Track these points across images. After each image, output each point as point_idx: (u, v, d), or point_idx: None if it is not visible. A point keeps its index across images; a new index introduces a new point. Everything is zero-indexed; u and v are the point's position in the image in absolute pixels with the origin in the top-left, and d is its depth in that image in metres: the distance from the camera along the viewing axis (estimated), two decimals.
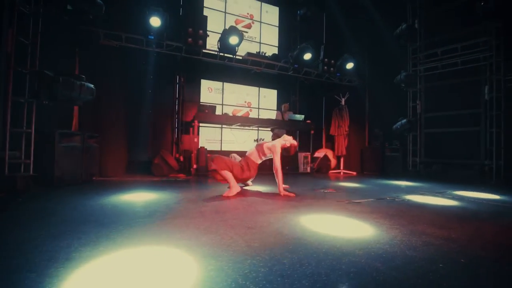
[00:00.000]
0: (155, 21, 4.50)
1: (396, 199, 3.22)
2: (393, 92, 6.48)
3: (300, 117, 6.28)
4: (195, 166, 5.24)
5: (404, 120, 5.84)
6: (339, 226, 2.01)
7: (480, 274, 1.25)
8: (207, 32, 5.36)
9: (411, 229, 1.95)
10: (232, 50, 5.32)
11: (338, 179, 5.56)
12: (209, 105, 5.39)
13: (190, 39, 4.83)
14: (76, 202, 2.56)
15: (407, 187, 4.41)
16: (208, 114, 5.25)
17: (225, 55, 5.70)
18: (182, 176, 5.06)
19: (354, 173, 6.86)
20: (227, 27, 6.75)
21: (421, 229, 1.96)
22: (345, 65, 6.37)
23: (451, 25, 5.65)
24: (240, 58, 5.99)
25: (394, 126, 6.00)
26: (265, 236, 1.70)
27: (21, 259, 1.26)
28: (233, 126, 6.48)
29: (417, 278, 1.18)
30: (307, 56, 5.84)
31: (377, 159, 6.57)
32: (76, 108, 4.50)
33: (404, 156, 6.25)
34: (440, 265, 1.33)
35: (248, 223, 1.99)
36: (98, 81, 4.85)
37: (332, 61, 6.32)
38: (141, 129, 5.80)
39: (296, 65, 6.06)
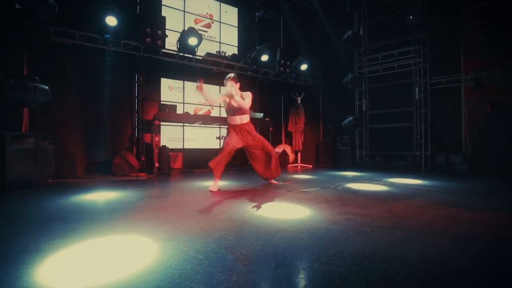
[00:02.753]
0: (111, 20, 4.47)
1: (338, 187, 3.72)
2: (343, 91, 7.16)
3: (259, 115, 6.65)
4: (157, 165, 5.33)
5: (351, 118, 6.53)
6: (282, 210, 2.38)
7: (374, 237, 1.68)
8: (166, 32, 5.44)
9: (341, 209, 2.40)
10: (192, 50, 5.46)
11: (295, 172, 6.05)
12: (170, 104, 5.49)
13: (148, 39, 4.87)
14: (35, 204, 2.59)
15: (352, 176, 5.03)
16: (169, 113, 5.35)
17: (185, 55, 5.80)
18: (143, 175, 5.12)
19: (310, 166, 7.46)
20: (186, 27, 6.86)
21: (348, 209, 2.41)
22: (299, 67, 6.87)
23: (389, 33, 6.43)
24: (200, 58, 6.15)
25: (343, 123, 6.67)
26: (217, 221, 1.99)
27: None
28: (195, 125, 6.63)
29: (328, 242, 1.57)
30: (264, 57, 6.20)
31: (330, 153, 7.23)
32: (26, 109, 4.30)
33: (353, 149, 6.98)
34: (350, 233, 1.75)
35: (204, 212, 2.26)
36: (52, 81, 4.71)
37: (288, 63, 6.78)
38: (100, 129, 5.65)
39: (254, 66, 6.39)
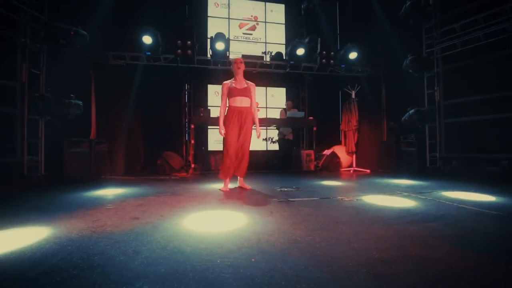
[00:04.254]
0: (147, 39, 5.14)
1: (346, 199, 3.01)
2: (411, 80, 5.74)
3: (300, 114, 6.15)
4: (193, 165, 5.73)
5: (412, 111, 5.12)
6: (215, 221, 2.13)
7: (246, 274, 1.26)
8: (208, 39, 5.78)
9: (282, 227, 1.93)
10: (222, 55, 5.60)
11: (333, 177, 5.27)
12: (204, 109, 5.80)
13: (179, 51, 5.32)
14: (48, 195, 3.26)
15: (400, 186, 3.95)
16: (203, 117, 5.66)
17: (221, 60, 6.02)
18: (181, 175, 5.60)
19: (368, 171, 6.32)
20: (231, 33, 7.12)
21: (292, 230, 1.90)
22: (347, 55, 5.95)
23: None
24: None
25: (403, 118, 5.32)
26: (136, 226, 1.96)
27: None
28: None
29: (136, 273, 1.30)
30: (300, 51, 5.69)
31: (391, 156, 5.92)
32: (94, 120, 5.49)
33: (421, 151, 5.47)
34: (191, 274, 1.38)
35: (142, 215, 2.28)
36: (114, 96, 5.84)
37: (332, 53, 5.97)
38: (156, 134, 6.58)
39: (292, 62, 5.97)
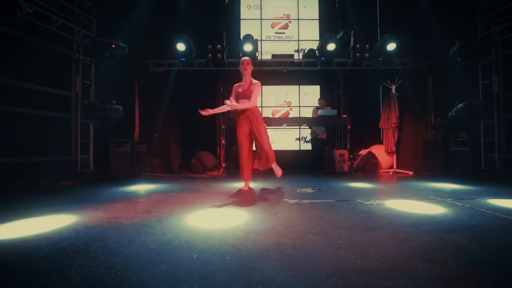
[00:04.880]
0: (180, 46, 5.51)
1: (365, 203, 2.80)
2: (459, 70, 5.04)
3: (332, 112, 5.88)
4: (224, 165, 5.94)
5: (461, 105, 4.45)
6: (216, 219, 2.20)
7: (213, 271, 1.30)
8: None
9: (277, 228, 1.92)
10: (251, 56, 5.66)
11: (367, 178, 4.91)
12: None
13: (210, 55, 5.57)
14: (91, 189, 3.74)
15: (436, 191, 3.53)
16: (232, 118, 5.81)
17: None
18: (212, 173, 5.86)
19: (411, 173, 5.73)
20: (263, 34, 7.18)
21: (285, 231, 1.87)
22: (385, 47, 5.47)
23: None
24: (269, 60, 6.26)
25: (450, 114, 4.67)
26: (144, 219, 2.16)
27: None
28: (271, 127, 6.78)
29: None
30: (331, 46, 5.43)
31: (438, 156, 5.27)
32: (137, 123, 6.10)
33: (475, 151, 4.75)
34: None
35: (155, 209, 2.48)
36: (154, 100, 6.40)
37: (367, 46, 5.56)
38: (192, 134, 7.00)
39: (323, 58, 5.74)
